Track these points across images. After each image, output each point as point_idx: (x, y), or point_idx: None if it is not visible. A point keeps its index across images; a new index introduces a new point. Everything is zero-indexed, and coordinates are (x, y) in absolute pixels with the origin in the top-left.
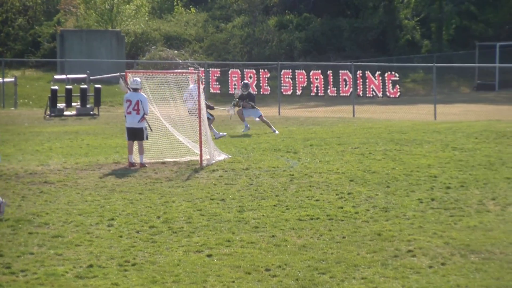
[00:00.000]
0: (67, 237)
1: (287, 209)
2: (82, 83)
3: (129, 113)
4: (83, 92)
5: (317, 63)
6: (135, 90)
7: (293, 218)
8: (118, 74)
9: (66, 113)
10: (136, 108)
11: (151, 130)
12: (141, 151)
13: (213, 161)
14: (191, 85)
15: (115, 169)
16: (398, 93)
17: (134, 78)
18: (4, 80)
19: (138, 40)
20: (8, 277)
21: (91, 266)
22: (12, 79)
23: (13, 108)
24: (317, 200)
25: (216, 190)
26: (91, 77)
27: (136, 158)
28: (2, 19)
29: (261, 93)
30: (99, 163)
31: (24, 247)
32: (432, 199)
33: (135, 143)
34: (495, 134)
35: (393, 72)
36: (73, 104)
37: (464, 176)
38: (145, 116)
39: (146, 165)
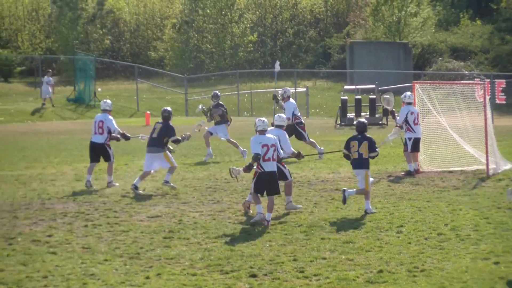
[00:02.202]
0: (357, 242)
1: None
2: (371, 93)
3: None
4: (372, 102)
5: None
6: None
7: None
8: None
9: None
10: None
11: None
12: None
13: (499, 170)
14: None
15: (403, 178)
16: None
17: None
18: (297, 90)
19: (425, 51)
20: (302, 281)
21: (381, 271)
22: (304, 89)
23: (304, 118)
24: None
25: (503, 198)
26: (379, 88)
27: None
28: (294, 31)
29: None
30: (388, 171)
31: (317, 252)
32: None
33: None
34: None
35: None
36: (362, 114)
37: None
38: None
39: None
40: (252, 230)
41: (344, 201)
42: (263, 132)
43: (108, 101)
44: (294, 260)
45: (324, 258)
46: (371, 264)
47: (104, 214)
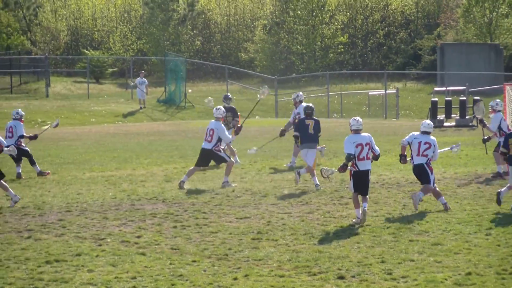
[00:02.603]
0: (446, 245)
1: None
2: (461, 95)
3: None
4: (462, 104)
5: None
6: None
7: None
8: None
9: (445, 124)
10: None
11: None
12: None
13: None
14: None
15: (493, 180)
16: None
17: None
18: (387, 91)
19: None
20: (390, 283)
21: (469, 274)
22: (394, 91)
23: (394, 119)
24: None
25: None
26: (470, 89)
27: None
28: (385, 33)
29: None
30: (478, 174)
31: (405, 254)
32: None
33: None
34: None
35: None
36: (452, 115)
37: None
38: None
39: None
40: (341, 232)
41: (499, 202)
42: (357, 131)
43: (222, 108)
44: (382, 262)
45: (412, 260)
46: (460, 267)
47: (193, 215)
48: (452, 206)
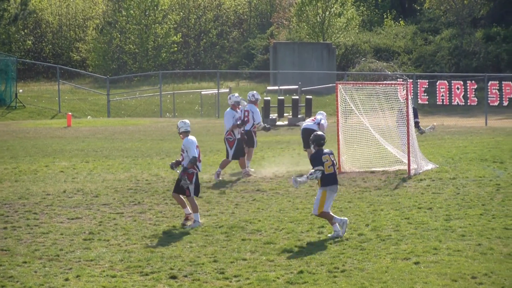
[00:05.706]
0: (278, 243)
1: (493, 218)
2: (294, 94)
3: None
4: (295, 102)
5: None
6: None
7: (499, 227)
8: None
9: (278, 123)
10: None
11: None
12: None
13: (421, 171)
14: None
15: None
16: None
17: None
18: (220, 91)
19: (348, 52)
20: (222, 282)
21: (301, 272)
22: (227, 90)
23: None
24: None
25: (424, 199)
26: (302, 88)
27: None
28: (218, 32)
29: (468, 104)
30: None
31: (237, 253)
32: None
33: None
34: None
35: None
36: (285, 114)
37: None
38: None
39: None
40: (173, 231)
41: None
42: (187, 133)
43: (255, 92)
44: (215, 261)
45: (245, 259)
46: (292, 265)
47: (24, 216)
48: (284, 205)
